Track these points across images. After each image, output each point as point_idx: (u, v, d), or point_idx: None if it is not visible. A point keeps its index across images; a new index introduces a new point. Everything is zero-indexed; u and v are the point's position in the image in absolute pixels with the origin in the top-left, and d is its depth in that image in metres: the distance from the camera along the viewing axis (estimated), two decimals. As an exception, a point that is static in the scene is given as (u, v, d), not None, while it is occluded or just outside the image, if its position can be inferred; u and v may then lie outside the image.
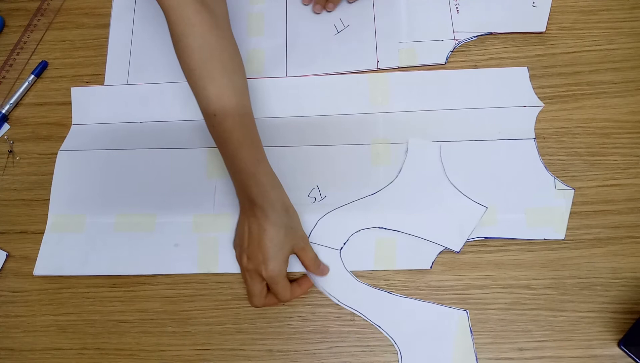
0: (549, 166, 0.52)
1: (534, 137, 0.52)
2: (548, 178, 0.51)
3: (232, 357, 0.48)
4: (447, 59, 0.56)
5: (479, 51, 0.57)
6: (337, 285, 0.49)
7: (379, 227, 0.50)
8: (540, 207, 0.50)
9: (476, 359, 0.46)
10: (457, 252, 0.49)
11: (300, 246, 0.47)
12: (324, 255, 0.50)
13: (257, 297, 0.46)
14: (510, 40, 0.57)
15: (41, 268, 0.51)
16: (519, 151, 0.52)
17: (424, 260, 0.49)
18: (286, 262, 0.46)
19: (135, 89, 0.58)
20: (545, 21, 0.56)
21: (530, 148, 0.52)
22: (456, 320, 0.47)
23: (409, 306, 0.48)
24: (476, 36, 0.57)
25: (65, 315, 0.50)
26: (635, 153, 0.52)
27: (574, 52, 0.56)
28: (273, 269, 0.45)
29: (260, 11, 0.60)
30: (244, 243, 0.46)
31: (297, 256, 0.48)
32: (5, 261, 0.52)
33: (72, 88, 0.58)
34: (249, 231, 0.46)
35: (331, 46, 0.58)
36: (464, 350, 0.46)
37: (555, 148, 0.53)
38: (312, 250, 0.49)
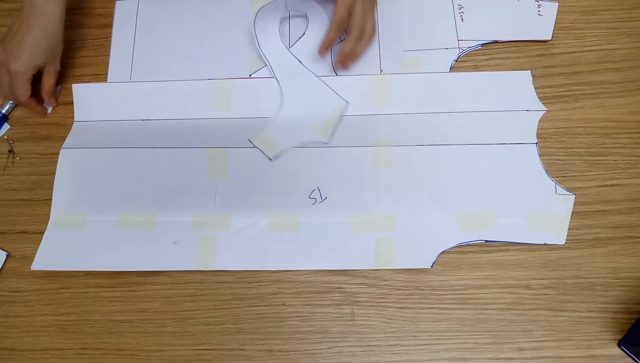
0: (549, 166, 0.52)
1: (536, 142, 0.52)
2: (549, 183, 0.51)
3: (232, 357, 0.48)
4: (451, 68, 0.56)
5: (479, 51, 0.57)
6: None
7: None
8: (541, 212, 0.50)
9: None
10: (326, 143, 0.53)
11: (51, 69, 0.56)
12: None
13: (1, 88, 0.55)
14: (510, 41, 0.57)
15: (39, 263, 0.51)
16: (521, 156, 0.52)
17: (424, 259, 0.49)
18: (34, 69, 0.54)
19: (137, 86, 0.58)
20: (551, 29, 0.56)
21: (532, 152, 0.52)
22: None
23: (309, 79, 0.56)
24: (481, 45, 0.57)
25: (65, 315, 0.50)
26: (635, 153, 0.52)
27: (574, 52, 0.56)
28: (21, 67, 0.53)
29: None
30: (7, 37, 0.53)
31: (42, 75, 0.56)
32: (5, 261, 0.52)
33: (73, 85, 0.57)
34: (17, 29, 0.53)
35: (334, 54, 0.57)
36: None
37: (555, 148, 0.53)
38: (54, 81, 0.57)
